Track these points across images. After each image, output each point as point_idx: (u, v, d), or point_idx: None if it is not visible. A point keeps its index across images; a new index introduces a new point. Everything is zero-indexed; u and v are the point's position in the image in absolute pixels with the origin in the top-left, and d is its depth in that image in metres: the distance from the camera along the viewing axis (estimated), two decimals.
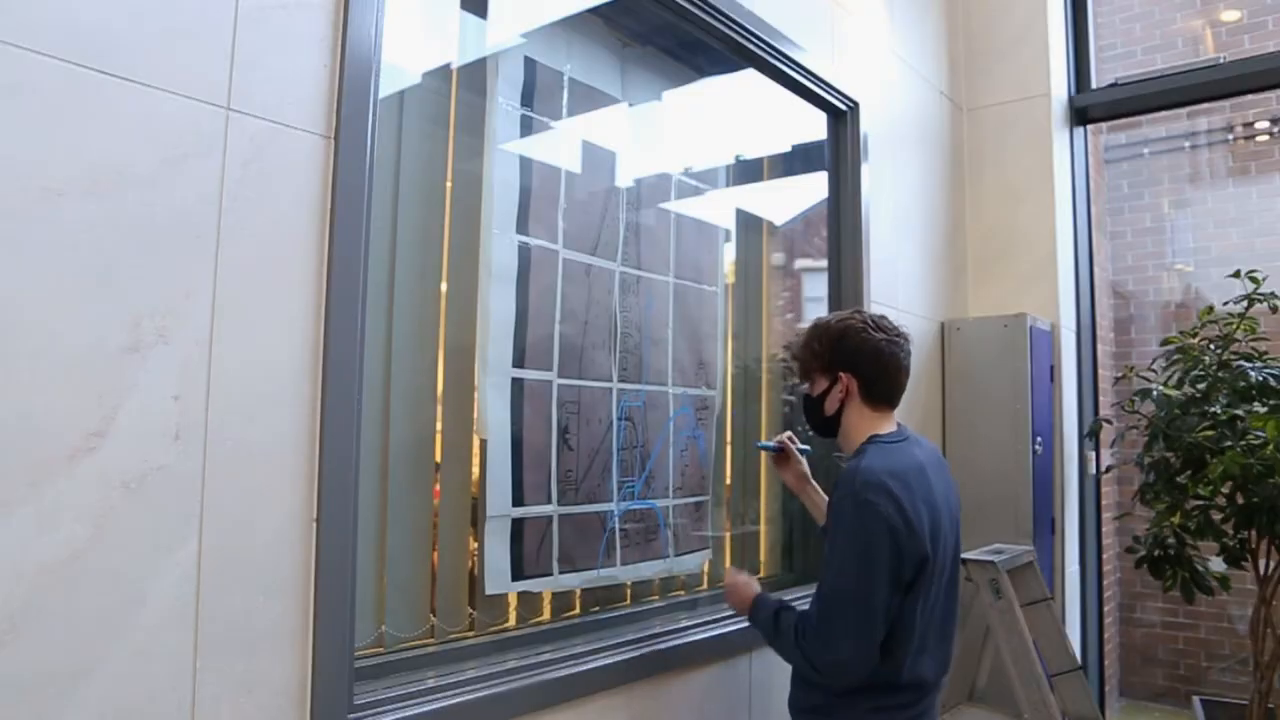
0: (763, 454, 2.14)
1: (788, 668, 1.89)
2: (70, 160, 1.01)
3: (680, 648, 1.86)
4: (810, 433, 1.82)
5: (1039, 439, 2.92)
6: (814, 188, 2.70)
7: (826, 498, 1.90)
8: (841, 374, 1.66)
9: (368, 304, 1.30)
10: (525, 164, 1.81)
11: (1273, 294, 2.64)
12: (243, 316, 1.15)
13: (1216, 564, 2.62)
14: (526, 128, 1.82)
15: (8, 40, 0.96)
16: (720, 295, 2.33)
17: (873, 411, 1.68)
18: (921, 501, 1.58)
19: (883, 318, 1.71)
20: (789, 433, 1.96)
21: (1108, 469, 3.11)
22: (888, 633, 1.55)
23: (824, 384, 1.70)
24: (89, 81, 1.02)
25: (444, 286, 1.68)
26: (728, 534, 2.35)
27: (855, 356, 1.66)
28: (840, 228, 2.62)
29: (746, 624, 1.98)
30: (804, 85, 2.45)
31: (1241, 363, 2.59)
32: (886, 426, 1.69)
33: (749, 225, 2.56)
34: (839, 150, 2.65)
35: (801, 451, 1.93)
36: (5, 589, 0.94)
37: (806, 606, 1.64)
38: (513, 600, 1.77)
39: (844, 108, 2.61)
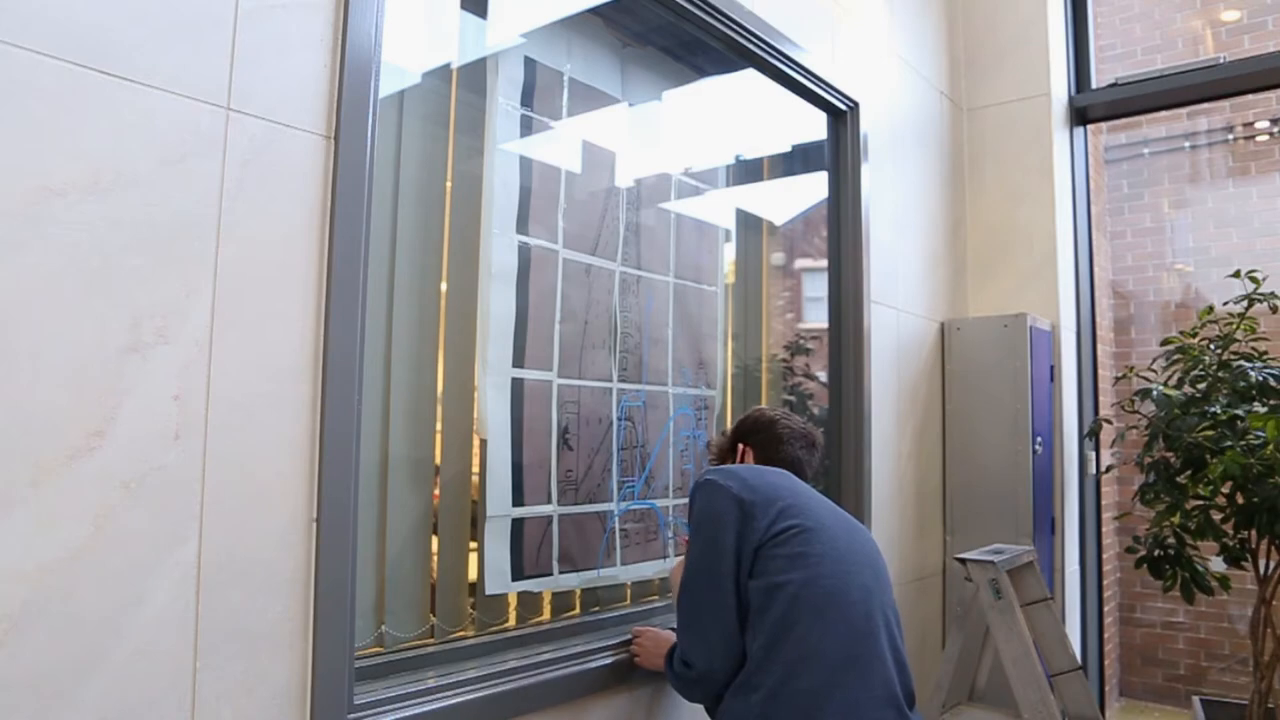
0: None
1: None
2: (70, 160, 1.01)
3: None
4: None
5: (1039, 439, 2.92)
6: (814, 188, 2.70)
7: None
8: (739, 444, 1.81)
9: (368, 304, 1.30)
10: (525, 164, 1.81)
11: (1273, 294, 2.64)
12: (243, 316, 1.15)
13: (1216, 564, 2.62)
14: (526, 128, 1.82)
15: (8, 40, 0.96)
16: (720, 295, 2.33)
17: None
18: (775, 484, 1.58)
19: (792, 415, 1.86)
20: None
21: (1108, 469, 3.11)
22: (771, 615, 1.44)
23: (731, 461, 1.82)
24: (89, 81, 1.02)
25: (444, 286, 1.68)
26: None
27: (751, 428, 1.82)
28: (840, 228, 2.62)
29: None
30: (804, 85, 2.45)
31: (1241, 363, 2.59)
32: None
33: (749, 225, 2.56)
34: (839, 150, 2.65)
35: None
36: (5, 589, 0.94)
37: None
38: (513, 600, 1.77)
39: (844, 108, 2.61)
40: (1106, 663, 3.54)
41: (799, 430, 1.79)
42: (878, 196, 2.72)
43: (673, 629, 1.87)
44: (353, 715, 1.26)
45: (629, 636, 1.80)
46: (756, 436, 1.79)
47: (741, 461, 1.78)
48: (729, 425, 2.27)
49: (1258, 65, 3.17)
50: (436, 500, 1.66)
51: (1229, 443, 2.41)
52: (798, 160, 2.74)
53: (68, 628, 0.98)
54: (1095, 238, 3.51)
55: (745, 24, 2.16)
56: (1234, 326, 2.67)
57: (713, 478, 1.58)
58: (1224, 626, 4.25)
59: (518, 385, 1.76)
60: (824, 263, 2.65)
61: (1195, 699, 3.02)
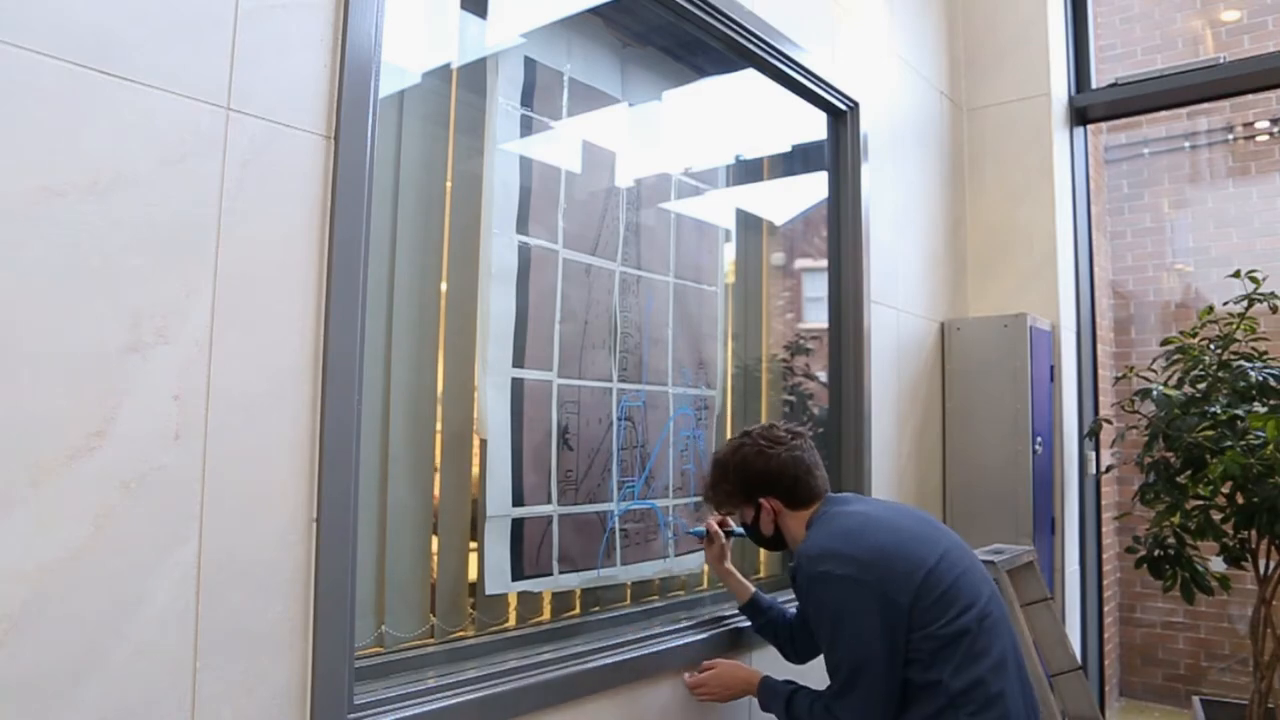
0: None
1: (790, 666, 1.89)
2: (70, 160, 1.01)
3: (680, 648, 1.86)
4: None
5: (1039, 439, 2.92)
6: (814, 188, 2.70)
7: (743, 579, 1.96)
8: (761, 500, 1.71)
9: (368, 304, 1.30)
10: (525, 164, 1.81)
11: (1273, 294, 2.64)
12: (243, 316, 1.15)
13: (1216, 564, 2.62)
14: (526, 128, 1.82)
15: (8, 40, 0.96)
16: (720, 295, 2.33)
17: (806, 511, 1.71)
18: (880, 535, 1.58)
19: (772, 427, 1.75)
20: (720, 517, 1.94)
21: (1108, 469, 3.11)
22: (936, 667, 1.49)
23: (751, 513, 1.75)
24: (89, 81, 1.02)
25: (444, 286, 1.68)
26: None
27: (764, 479, 1.70)
28: (840, 228, 2.62)
29: (747, 624, 1.99)
30: (804, 85, 2.45)
31: (1241, 363, 2.59)
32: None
33: (749, 225, 2.56)
34: (839, 150, 2.64)
35: (730, 534, 1.94)
36: (5, 589, 0.94)
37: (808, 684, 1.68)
38: (513, 600, 1.77)
39: (844, 108, 2.61)
40: (1106, 663, 3.54)
41: (786, 444, 1.70)
42: (878, 196, 2.72)
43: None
44: (353, 715, 1.26)
45: (629, 638, 1.80)
46: (778, 488, 1.70)
47: (772, 513, 1.71)
48: (729, 433, 2.28)
49: (1258, 65, 3.17)
50: (436, 500, 1.65)
51: (1229, 443, 2.41)
52: (798, 160, 2.74)
53: (68, 628, 0.98)
54: (1095, 238, 3.51)
55: (745, 24, 2.16)
56: (1234, 326, 2.67)
57: (820, 569, 1.55)
58: (1224, 626, 4.25)
59: (518, 385, 1.76)
60: (824, 263, 2.65)
61: (1195, 699, 3.03)
